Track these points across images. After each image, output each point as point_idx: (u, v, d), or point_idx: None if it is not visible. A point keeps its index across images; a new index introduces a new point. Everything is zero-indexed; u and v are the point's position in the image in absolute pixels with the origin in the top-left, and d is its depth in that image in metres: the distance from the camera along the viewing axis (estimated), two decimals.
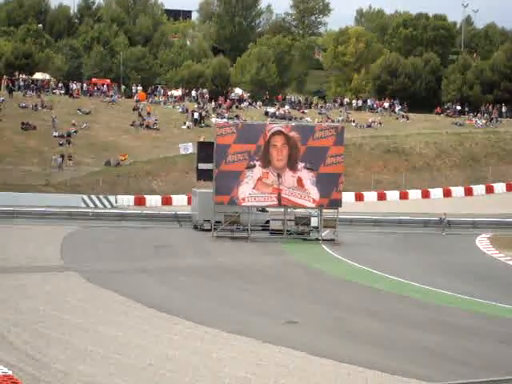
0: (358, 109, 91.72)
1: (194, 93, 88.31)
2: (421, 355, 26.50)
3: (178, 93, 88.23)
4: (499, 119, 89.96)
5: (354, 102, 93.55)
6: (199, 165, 54.23)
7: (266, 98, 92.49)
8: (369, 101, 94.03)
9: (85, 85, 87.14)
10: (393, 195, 73.42)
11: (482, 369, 24.71)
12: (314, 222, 52.56)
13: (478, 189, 76.73)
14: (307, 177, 50.67)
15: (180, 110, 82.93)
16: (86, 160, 70.74)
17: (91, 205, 62.87)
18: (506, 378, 21.69)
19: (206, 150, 53.51)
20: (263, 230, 53.25)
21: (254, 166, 50.50)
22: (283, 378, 23.44)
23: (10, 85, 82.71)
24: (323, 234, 51.85)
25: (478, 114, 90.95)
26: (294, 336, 28.18)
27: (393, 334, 29.21)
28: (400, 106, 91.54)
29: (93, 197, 63.71)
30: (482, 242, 53.25)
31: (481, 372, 24.01)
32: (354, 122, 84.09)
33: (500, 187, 77.51)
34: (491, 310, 33.69)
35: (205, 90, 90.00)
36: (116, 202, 64.18)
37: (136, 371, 23.44)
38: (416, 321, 31.45)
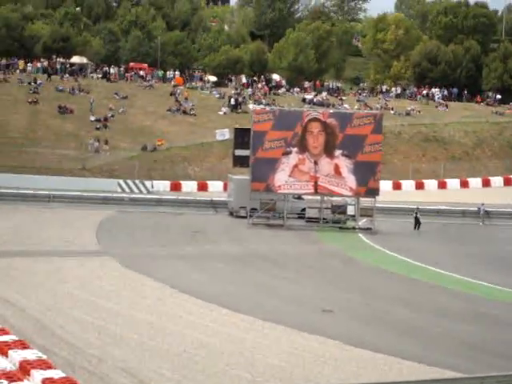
0: (397, 96, 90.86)
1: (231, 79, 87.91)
2: (458, 347, 26.15)
3: (214, 78, 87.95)
4: None
5: (393, 89, 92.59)
6: (236, 151, 53.98)
7: (303, 84, 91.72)
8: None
9: (122, 69, 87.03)
10: (431, 184, 72.71)
11: None
12: (351, 210, 52.11)
13: None
14: (344, 164, 50.23)
15: (217, 95, 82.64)
16: (122, 144, 70.74)
17: (127, 190, 62.84)
18: None
19: (242, 137, 53.23)
20: (299, 217, 52.94)
21: (291, 152, 50.17)
22: (318, 366, 23.21)
23: (49, 68, 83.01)
24: (360, 223, 51.42)
25: None
26: (330, 325, 27.93)
27: (429, 325, 28.83)
28: (440, 95, 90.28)
29: (129, 181, 63.69)
30: None
31: None
32: (392, 109, 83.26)
33: None
34: None
35: (242, 76, 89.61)
36: (152, 187, 64.10)
37: (170, 357, 23.30)
38: (453, 312, 31.02)
